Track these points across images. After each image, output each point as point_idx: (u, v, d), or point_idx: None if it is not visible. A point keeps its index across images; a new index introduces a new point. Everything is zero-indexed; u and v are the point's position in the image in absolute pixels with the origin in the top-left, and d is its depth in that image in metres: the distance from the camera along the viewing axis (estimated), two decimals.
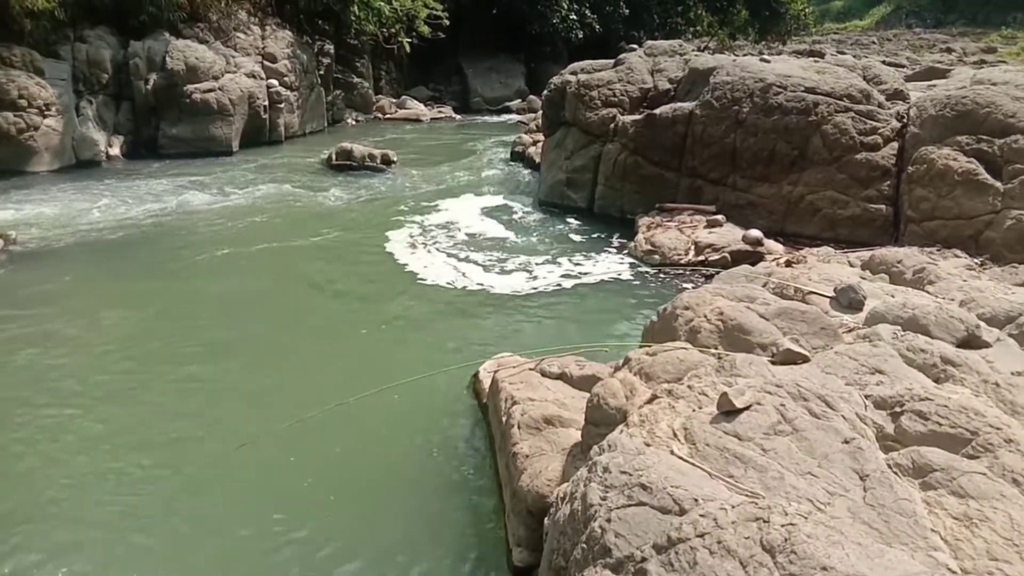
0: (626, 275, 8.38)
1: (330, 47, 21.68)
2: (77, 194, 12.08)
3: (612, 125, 10.77)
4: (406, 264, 8.69)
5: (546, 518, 3.15)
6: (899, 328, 3.88)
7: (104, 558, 3.77)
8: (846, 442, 2.68)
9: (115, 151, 15.52)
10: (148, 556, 3.79)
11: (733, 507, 2.27)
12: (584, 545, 2.46)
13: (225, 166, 15.03)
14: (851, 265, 6.38)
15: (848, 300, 4.68)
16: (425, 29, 23.77)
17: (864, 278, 5.64)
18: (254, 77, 17.37)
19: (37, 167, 13.64)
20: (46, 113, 13.70)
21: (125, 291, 7.76)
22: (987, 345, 3.79)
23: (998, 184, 7.69)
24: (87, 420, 5.09)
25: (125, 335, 6.54)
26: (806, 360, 3.44)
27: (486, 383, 5.16)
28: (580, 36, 27.47)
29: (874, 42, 47.28)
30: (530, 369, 4.87)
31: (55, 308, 7.17)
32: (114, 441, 4.84)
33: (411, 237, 9.91)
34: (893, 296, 4.80)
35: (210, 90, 16.09)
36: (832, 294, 4.83)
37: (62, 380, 5.65)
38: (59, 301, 7.38)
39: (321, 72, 21.00)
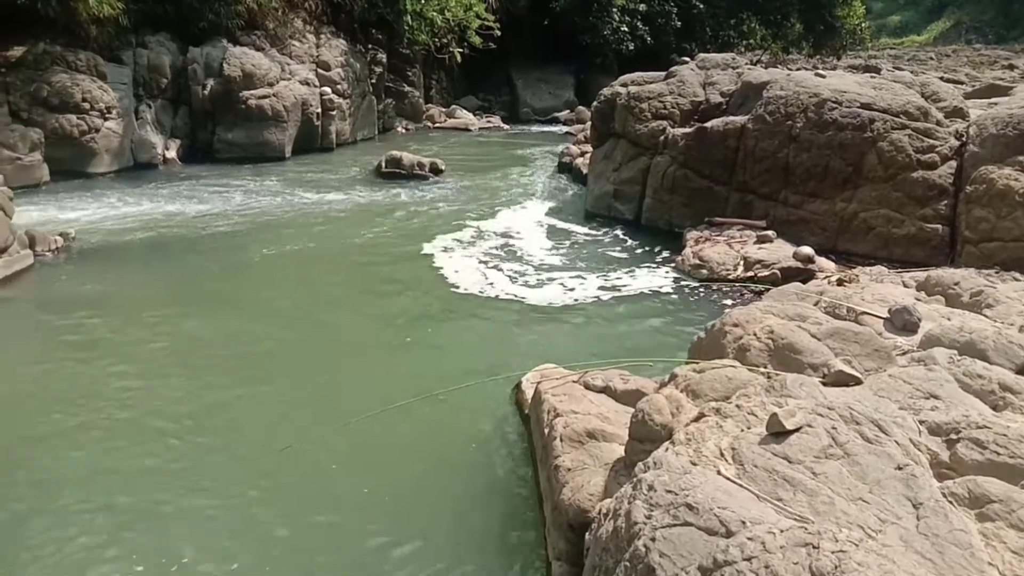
0: (672, 289, 8.30)
1: (383, 56, 21.98)
2: (134, 195, 12.41)
3: (662, 137, 10.71)
4: (450, 273, 8.72)
5: (587, 533, 3.12)
6: (955, 352, 3.77)
7: (151, 558, 3.84)
8: (899, 468, 2.60)
9: (172, 154, 15.92)
10: (194, 554, 3.85)
11: (782, 531, 2.23)
12: (627, 563, 2.43)
13: (277, 171, 15.31)
14: (905, 286, 6.23)
15: (902, 322, 4.57)
16: (476, 39, 23.98)
17: (919, 299, 5.50)
18: (308, 84, 17.67)
19: (97, 168, 14.04)
20: (107, 116, 14.11)
21: (176, 291, 7.94)
22: None
23: None
24: (135, 420, 5.20)
25: (173, 336, 6.67)
26: (858, 382, 3.36)
27: (528, 394, 5.14)
28: (631, 48, 27.41)
29: (932, 58, 46.32)
30: (573, 381, 4.85)
31: (108, 306, 7.35)
32: (160, 441, 4.93)
33: (456, 246, 9.95)
34: (949, 319, 4.68)
35: (265, 96, 16.43)
36: (886, 315, 4.72)
37: (113, 379, 5.78)
38: (112, 299, 7.57)
39: (373, 81, 21.30)
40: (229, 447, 4.88)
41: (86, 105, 13.71)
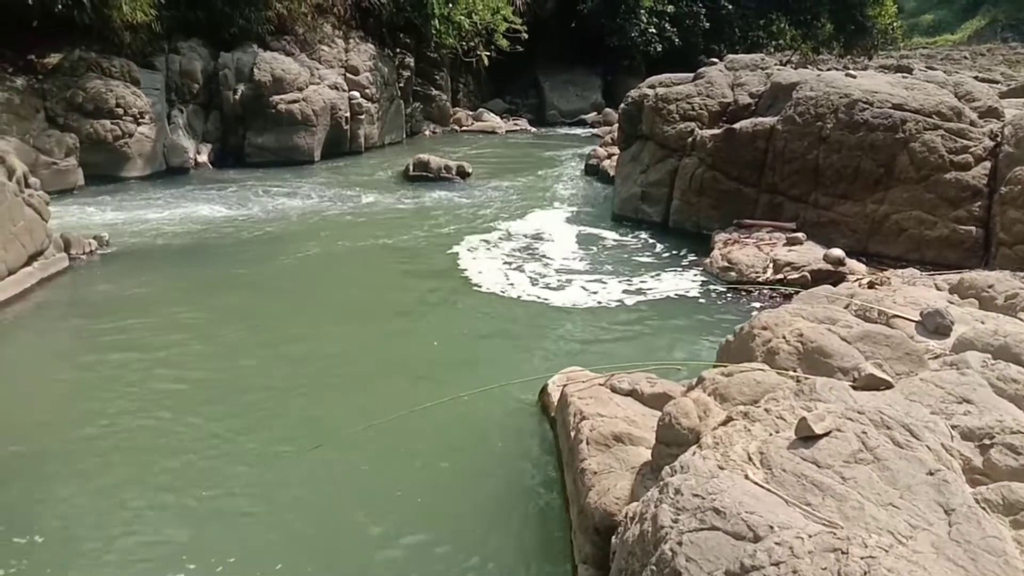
0: (700, 292, 8.25)
1: (410, 60, 22.10)
2: (166, 199, 12.59)
3: (690, 139, 10.66)
4: (477, 275, 8.74)
5: (614, 537, 3.11)
6: (989, 356, 3.70)
7: (186, 555, 3.89)
8: (931, 473, 2.57)
9: (203, 158, 16.13)
10: (228, 551, 3.89)
11: (810, 536, 2.20)
12: (653, 567, 2.42)
13: (307, 175, 15.46)
14: (938, 288, 6.13)
15: (935, 325, 4.50)
16: (504, 42, 24.01)
17: (952, 302, 5.41)
18: (337, 89, 17.82)
19: (130, 172, 14.27)
20: (140, 121, 14.33)
21: (208, 293, 8.03)
22: None
23: None
24: (170, 421, 5.27)
25: (205, 337, 6.76)
26: (889, 386, 3.32)
27: (555, 397, 5.14)
28: (659, 49, 27.27)
29: (966, 57, 45.55)
30: (600, 384, 4.83)
31: (141, 308, 7.47)
32: (195, 442, 5.00)
33: (483, 248, 9.98)
34: (983, 322, 4.59)
35: (294, 101, 16.59)
36: (918, 318, 4.65)
37: (147, 380, 5.87)
38: (145, 302, 7.68)
39: (401, 84, 21.42)
40: (261, 447, 4.94)
41: (120, 110, 13.94)
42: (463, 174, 15.26)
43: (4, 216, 7.51)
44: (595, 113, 27.62)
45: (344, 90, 18.09)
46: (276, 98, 16.38)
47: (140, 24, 14.39)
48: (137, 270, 8.78)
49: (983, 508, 2.46)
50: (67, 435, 5.04)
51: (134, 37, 14.77)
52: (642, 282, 8.58)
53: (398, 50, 21.85)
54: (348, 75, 18.74)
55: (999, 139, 8.61)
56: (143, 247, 9.77)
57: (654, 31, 27.33)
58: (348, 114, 17.95)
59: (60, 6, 12.64)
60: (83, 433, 5.06)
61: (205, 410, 5.39)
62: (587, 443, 4.06)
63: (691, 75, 11.84)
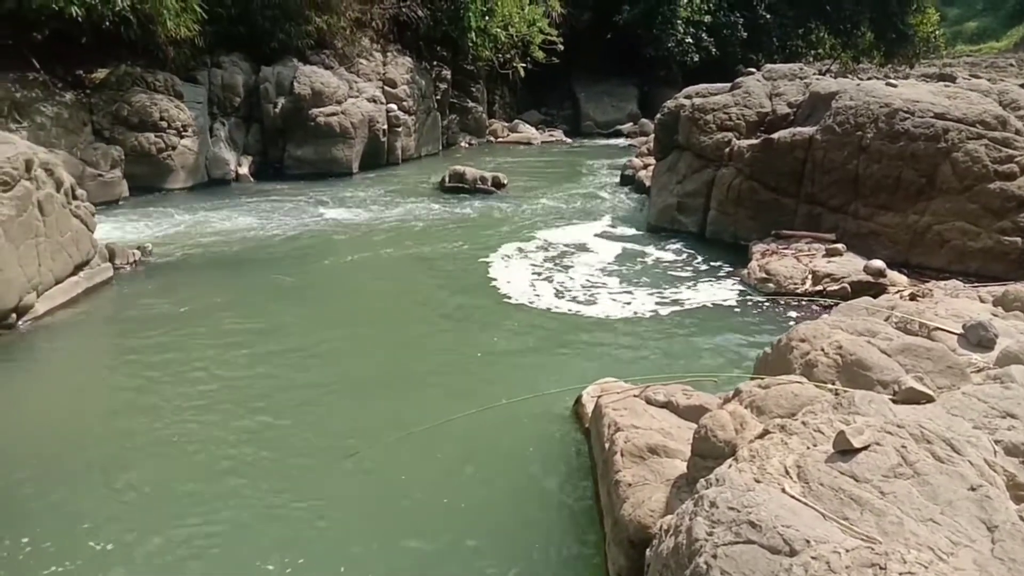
0: (737, 303, 8.18)
1: (447, 72, 22.28)
2: (209, 210, 12.83)
3: (727, 149, 10.59)
4: (512, 286, 8.76)
5: (648, 550, 3.09)
6: None
7: (222, 556, 3.95)
8: (972, 489, 2.52)
9: (244, 170, 16.42)
10: (263, 554, 3.94)
11: (847, 551, 2.18)
12: None
13: (345, 187, 15.64)
14: (982, 300, 6.01)
15: (978, 338, 4.42)
16: (540, 54, 24.12)
17: (996, 315, 5.30)
18: (374, 102, 18.04)
19: (173, 184, 14.57)
20: (183, 134, 14.64)
21: (247, 302, 8.15)
22: None
23: None
24: (208, 426, 5.36)
25: (247, 346, 6.86)
26: (930, 400, 3.26)
27: (589, 408, 5.13)
28: (696, 60, 27.17)
29: (1012, 64, 44.69)
30: (634, 396, 4.82)
31: (185, 318, 7.61)
32: (235, 451, 5.07)
33: (518, 259, 10.00)
34: None
35: (333, 114, 16.82)
36: (960, 331, 4.57)
37: (192, 388, 5.98)
38: (189, 311, 7.82)
39: (438, 97, 21.61)
40: (301, 454, 4.99)
41: (164, 124, 14.26)
42: (499, 185, 15.33)
43: (52, 226, 7.71)
44: (631, 124, 27.59)
45: (382, 103, 18.30)
46: (315, 111, 16.62)
47: (184, 39, 14.71)
48: (179, 280, 8.95)
49: None
50: (107, 440, 5.15)
51: (178, 52, 15.12)
52: (678, 293, 8.53)
53: (435, 63, 22.05)
54: (386, 88, 18.96)
55: None
56: (185, 257, 9.96)
57: (691, 41, 27.23)
58: (385, 126, 18.14)
59: (108, 23, 12.98)
60: (125, 442, 5.17)
61: (243, 418, 5.47)
62: (622, 455, 4.05)
63: (728, 85, 11.78)
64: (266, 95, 16.78)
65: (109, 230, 10.75)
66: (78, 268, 8.21)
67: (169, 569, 3.87)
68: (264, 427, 5.35)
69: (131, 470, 4.78)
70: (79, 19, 12.39)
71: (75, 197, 8.44)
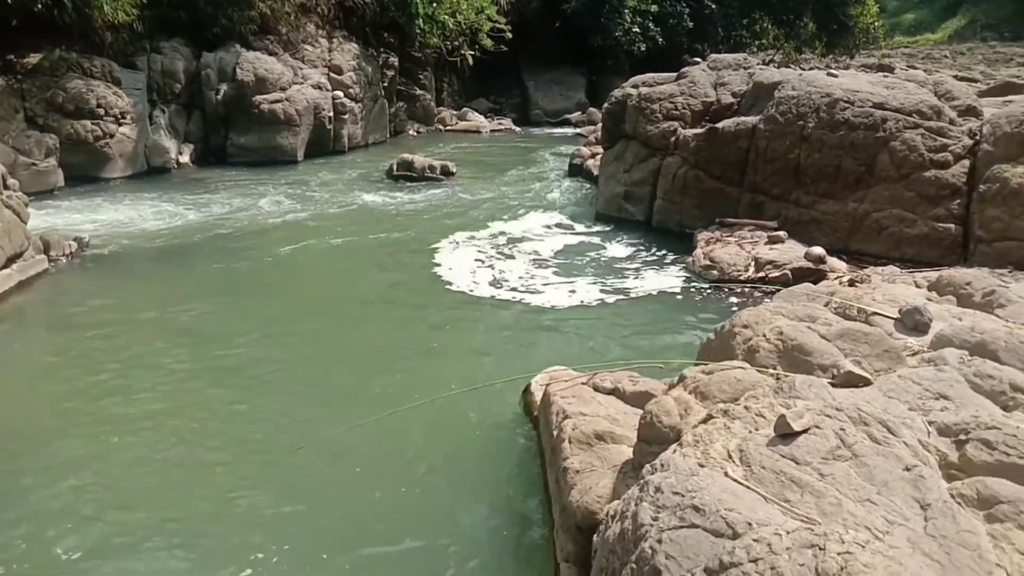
0: (683, 290, 8.29)
1: (394, 59, 22.05)
2: (148, 200, 12.51)
3: (673, 138, 10.70)
4: (459, 275, 8.74)
5: (595, 535, 3.12)
6: (966, 353, 3.74)
7: (156, 557, 3.87)
8: (907, 469, 2.59)
9: (185, 159, 16.05)
10: (200, 553, 3.88)
11: (788, 532, 2.22)
12: (633, 565, 2.43)
13: (290, 175, 15.40)
14: (917, 286, 6.18)
15: (913, 322, 4.54)
16: (488, 42, 24.00)
17: (931, 300, 5.46)
18: (320, 88, 17.76)
19: (111, 173, 14.16)
20: (121, 121, 14.22)
21: (187, 294, 7.98)
22: None
23: None
24: (145, 421, 5.24)
25: (184, 338, 6.73)
26: (868, 383, 3.34)
27: (538, 396, 5.15)
28: (643, 49, 27.34)
29: (947, 56, 46.00)
30: (582, 383, 4.84)
31: (122, 309, 7.43)
32: (173, 445, 4.97)
33: (466, 248, 9.98)
34: (960, 319, 4.64)
35: (277, 101, 16.53)
36: (897, 315, 4.69)
37: (128, 381, 5.84)
38: (126, 303, 7.64)
39: (385, 84, 21.37)
40: (243, 449, 4.92)
41: (101, 111, 13.83)
42: (447, 173, 15.26)
43: None
44: (579, 112, 27.66)
45: (327, 90, 18.03)
46: (259, 98, 16.31)
47: (121, 24, 14.30)
48: (118, 272, 8.73)
49: (958, 503, 2.48)
50: (38, 441, 5.00)
51: (115, 37, 14.67)
52: (624, 281, 8.61)
53: (382, 49, 21.81)
54: (331, 75, 18.68)
55: (978, 137, 8.69)
56: (124, 248, 9.70)
57: (638, 30, 27.39)
58: (331, 114, 17.90)
59: (40, 5, 12.54)
60: (56, 439, 5.03)
61: (182, 414, 5.36)
62: (569, 442, 4.07)
63: (674, 75, 11.88)
64: (208, 82, 16.41)
65: (44, 221, 10.40)
66: (10, 260, 7.94)
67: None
68: (203, 423, 5.24)
69: (64, 470, 4.65)
70: (9, 1, 11.93)
71: (7, 187, 8.16)
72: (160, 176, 14.94)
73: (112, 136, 14.05)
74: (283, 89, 16.75)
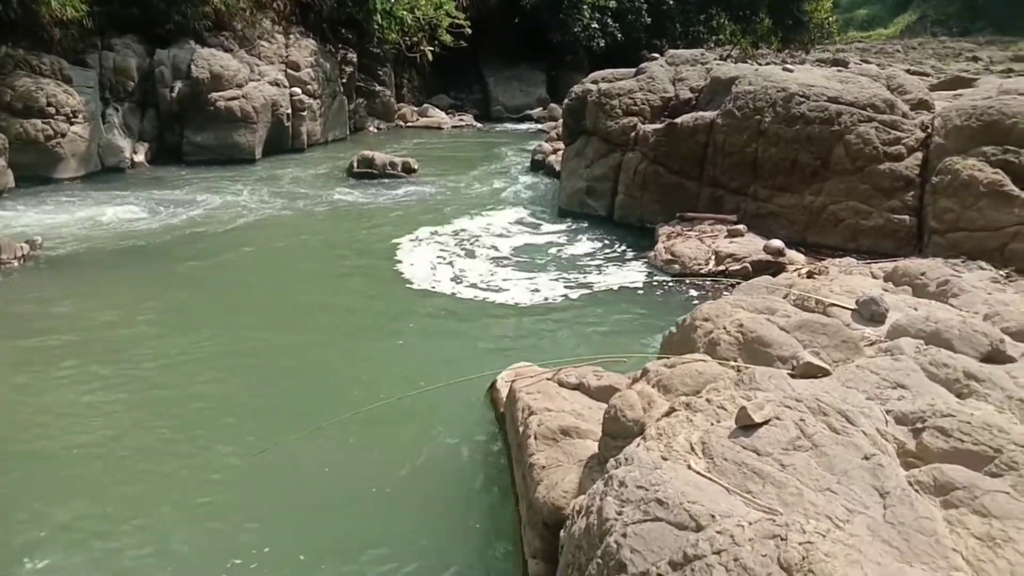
0: (645, 285, 8.35)
1: (353, 56, 21.84)
2: (102, 200, 12.24)
3: (633, 134, 10.76)
4: (422, 273, 8.70)
5: (562, 531, 3.13)
6: (922, 342, 3.82)
7: (111, 563, 3.80)
8: (866, 458, 2.64)
9: (140, 158, 15.73)
10: (158, 560, 3.81)
11: (750, 524, 2.24)
12: (599, 560, 2.44)
13: (247, 173, 15.18)
14: (874, 277, 6.30)
15: (870, 313, 4.62)
16: (447, 38, 23.88)
17: (887, 290, 5.56)
18: (277, 85, 17.53)
19: (63, 174, 13.82)
20: (73, 120, 13.88)
21: (142, 297, 7.81)
22: (1012, 360, 3.72)
23: None
24: (103, 427, 5.14)
25: (139, 343, 6.60)
26: (827, 374, 3.40)
27: (503, 393, 5.14)
28: (602, 45, 27.43)
29: (899, 50, 46.90)
30: (548, 379, 4.85)
31: (77, 314, 7.26)
32: (127, 450, 4.88)
33: (428, 246, 9.93)
34: (916, 309, 4.74)
35: (234, 98, 16.27)
36: (854, 306, 4.78)
37: (81, 385, 5.71)
38: (80, 307, 7.47)
39: (344, 80, 21.15)
40: (202, 455, 4.84)
41: (51, 109, 13.49)
42: (409, 170, 15.16)
43: None
44: (540, 108, 27.68)
45: (285, 86, 17.80)
46: (215, 95, 16.05)
47: (70, 20, 13.94)
48: (72, 274, 8.53)
49: (916, 490, 2.53)
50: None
51: (64, 33, 14.31)
52: (587, 276, 8.64)
53: (340, 46, 21.58)
54: (289, 71, 18.44)
55: (930, 130, 8.87)
56: (78, 250, 9.49)
57: (596, 26, 27.47)
58: (289, 111, 17.68)
59: None
60: (6, 444, 4.90)
61: (143, 419, 5.27)
62: (535, 438, 4.07)
63: (633, 70, 11.94)
64: (162, 79, 16.10)
65: None
66: None
67: None
68: (165, 428, 5.16)
69: (12, 474, 4.54)
70: None
71: None
72: (115, 176, 14.63)
73: (64, 135, 13.71)
74: (239, 86, 16.50)
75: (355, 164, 15.17)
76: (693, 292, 8.04)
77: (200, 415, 5.34)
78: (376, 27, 21.61)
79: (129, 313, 7.29)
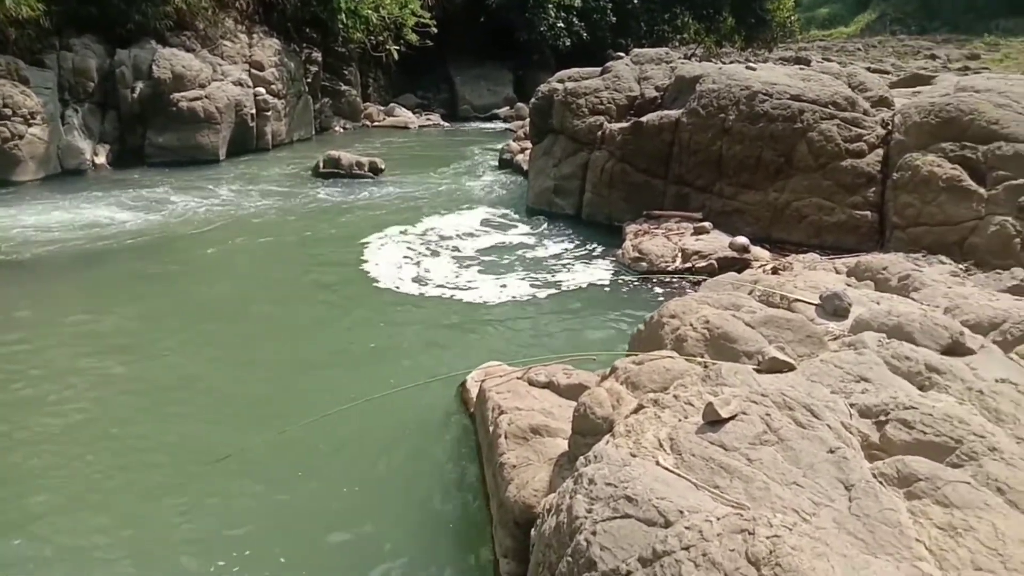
0: (614, 283, 8.38)
1: (318, 55, 21.67)
2: (62, 203, 12.01)
3: (599, 133, 10.80)
4: (389, 274, 8.65)
5: (532, 530, 3.13)
6: (884, 335, 3.88)
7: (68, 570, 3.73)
8: (831, 451, 2.67)
9: (101, 160, 15.45)
10: (119, 568, 3.75)
11: (718, 519, 2.26)
12: (570, 558, 2.45)
13: (211, 175, 14.98)
14: (837, 272, 6.40)
15: (833, 307, 4.69)
16: (413, 37, 23.78)
17: (850, 285, 5.66)
18: (241, 85, 17.34)
19: (22, 176, 13.55)
20: (31, 122, 13.62)
21: (102, 302, 7.67)
22: (971, 352, 3.80)
23: (982, 190, 7.74)
24: (67, 434, 5.04)
25: (99, 348, 6.48)
26: (792, 368, 3.44)
27: (473, 393, 5.14)
28: (568, 44, 27.51)
29: (859, 48, 47.59)
30: (517, 378, 4.86)
31: (35, 320, 7.11)
32: (89, 457, 4.80)
33: (395, 246, 9.88)
34: (878, 303, 4.82)
35: (197, 98, 16.05)
36: (818, 301, 4.84)
37: (40, 389, 5.60)
38: (39, 312, 7.32)
39: (309, 80, 20.98)
40: (165, 460, 4.77)
41: (8, 111, 13.20)
42: (376, 170, 15.08)
43: None
44: (507, 107, 27.69)
45: (249, 86, 17.61)
46: (177, 96, 15.83)
47: (26, 19, 13.66)
48: (31, 279, 8.36)
49: (880, 482, 2.57)
50: None
51: (20, 33, 14.01)
52: (556, 274, 8.66)
53: (304, 45, 21.40)
54: (253, 71, 18.24)
55: (890, 127, 9.02)
56: (37, 255, 9.29)
57: (562, 25, 27.54)
58: (254, 111, 17.49)
59: None
60: None
61: (104, 424, 5.18)
62: (505, 437, 4.07)
63: (599, 69, 11.99)
64: (122, 79, 15.83)
65: None
66: None
67: None
68: (126, 434, 5.07)
69: None
70: None
71: None
72: (75, 178, 14.35)
73: (21, 137, 13.43)
74: (202, 86, 16.29)
75: (321, 164, 15.05)
76: (660, 289, 8.09)
77: (160, 419, 5.26)
78: (341, 26, 21.46)
79: (89, 316, 7.17)
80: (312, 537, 4.02)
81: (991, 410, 3.09)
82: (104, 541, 3.97)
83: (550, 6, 27.14)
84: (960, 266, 7.31)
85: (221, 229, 10.76)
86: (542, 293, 8.04)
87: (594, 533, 2.40)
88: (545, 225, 10.91)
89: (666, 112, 10.31)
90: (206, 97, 16.20)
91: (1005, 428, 2.95)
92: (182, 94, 15.89)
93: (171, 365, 6.16)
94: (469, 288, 8.17)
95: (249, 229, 10.81)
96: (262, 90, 17.95)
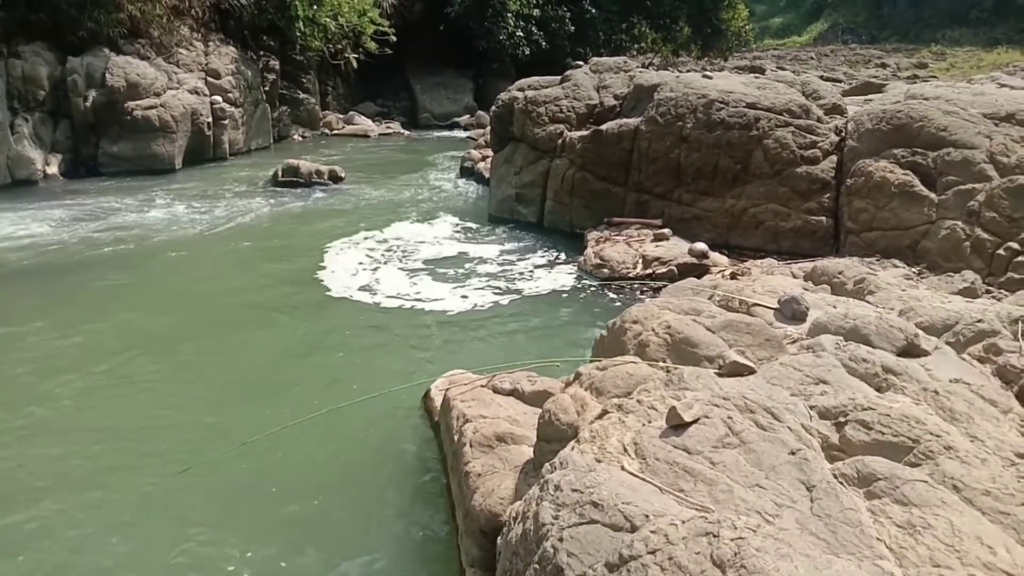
0: (576, 289, 8.42)
1: (275, 63, 21.48)
2: (12, 215, 11.71)
3: (560, 141, 10.86)
4: (350, 283, 8.59)
5: (499, 538, 3.12)
6: (841, 338, 3.95)
7: None
8: (792, 453, 2.71)
9: (53, 170, 15.10)
10: None
11: (683, 522, 2.28)
12: (536, 565, 2.45)
13: (167, 184, 14.74)
14: (794, 276, 6.51)
15: (791, 311, 4.77)
16: (372, 45, 23.71)
17: (807, 289, 5.75)
18: (197, 93, 17.11)
19: None
20: None
21: (54, 315, 7.49)
22: (926, 353, 3.88)
23: (932, 195, 7.94)
24: (23, 450, 4.91)
25: (49, 361, 6.33)
26: (752, 372, 3.48)
27: (438, 401, 5.12)
28: (527, 52, 27.65)
29: (812, 57, 48.57)
30: (482, 386, 4.85)
31: None
32: (41, 473, 4.68)
33: (356, 255, 9.82)
34: (835, 307, 4.90)
35: (152, 107, 15.80)
36: (776, 306, 4.92)
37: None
38: None
39: (266, 88, 20.78)
40: (120, 474, 4.66)
41: None
42: (336, 179, 14.98)
43: None
44: (468, 115, 27.72)
45: (205, 95, 17.39)
46: (131, 104, 15.56)
47: None
48: None
49: (840, 482, 2.61)
50: None
51: None
52: (518, 282, 8.67)
53: (262, 53, 21.20)
54: (209, 79, 18.03)
55: (843, 134, 9.21)
56: None
57: (521, 34, 27.68)
58: (210, 119, 17.27)
59: None
60: None
61: (59, 440, 5.05)
62: (470, 445, 4.06)
63: (558, 78, 12.06)
64: (75, 88, 15.52)
65: None
66: None
67: None
68: (77, 448, 4.95)
69: None
70: None
71: None
72: (26, 189, 14.01)
73: None
74: (157, 95, 16.05)
75: (280, 173, 14.90)
76: (622, 295, 8.15)
77: (114, 432, 5.15)
78: (299, 34, 21.31)
79: (44, 333, 6.99)
80: (271, 550, 3.96)
81: (946, 410, 3.16)
82: (50, 552, 3.87)
83: (509, 15, 27.26)
84: (913, 269, 7.49)
85: (176, 240, 10.59)
86: (505, 300, 8.05)
87: (561, 539, 2.40)
88: (507, 233, 10.92)
89: (625, 120, 10.40)
90: (161, 106, 15.96)
91: (959, 427, 3.02)
92: (137, 103, 15.63)
93: (123, 378, 6.02)
94: (431, 296, 8.14)
95: (204, 239, 10.66)
96: (219, 98, 17.73)
